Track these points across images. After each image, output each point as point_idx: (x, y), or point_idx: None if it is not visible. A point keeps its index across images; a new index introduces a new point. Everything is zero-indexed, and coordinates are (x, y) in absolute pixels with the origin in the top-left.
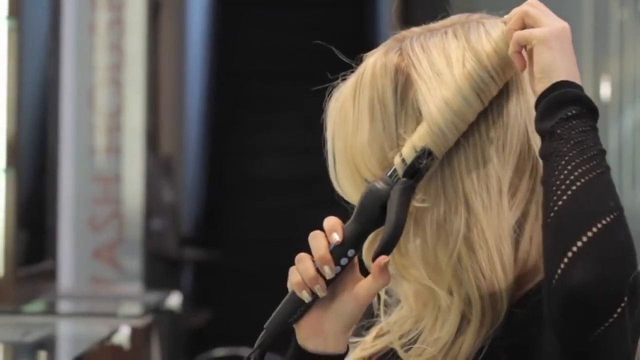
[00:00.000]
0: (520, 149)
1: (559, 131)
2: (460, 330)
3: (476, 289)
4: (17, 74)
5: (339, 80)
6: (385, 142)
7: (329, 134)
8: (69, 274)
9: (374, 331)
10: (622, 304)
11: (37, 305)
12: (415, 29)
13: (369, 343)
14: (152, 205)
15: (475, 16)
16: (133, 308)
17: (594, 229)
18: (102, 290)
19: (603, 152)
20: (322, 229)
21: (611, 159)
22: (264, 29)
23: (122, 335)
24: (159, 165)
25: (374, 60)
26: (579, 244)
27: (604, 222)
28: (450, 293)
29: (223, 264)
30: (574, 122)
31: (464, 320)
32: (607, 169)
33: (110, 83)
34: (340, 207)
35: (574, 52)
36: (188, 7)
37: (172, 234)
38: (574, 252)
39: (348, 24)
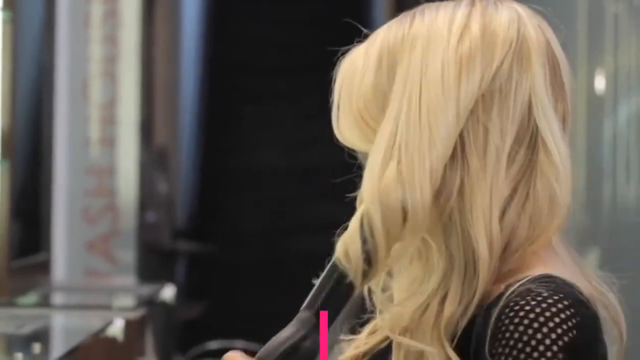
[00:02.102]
0: (521, 118)
1: None
2: (444, 297)
3: (460, 250)
4: (12, 66)
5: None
6: (387, 88)
7: (336, 85)
8: (63, 266)
9: (367, 328)
10: None
11: (31, 298)
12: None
13: (363, 340)
14: (147, 197)
15: None
16: (127, 300)
17: None
18: (96, 283)
19: None
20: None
21: (605, 152)
22: (258, 22)
23: (116, 328)
24: (153, 158)
25: (389, 23)
26: None
27: None
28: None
29: (217, 257)
30: None
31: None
32: None
33: (104, 75)
34: (334, 200)
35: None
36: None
37: (167, 226)
38: None
39: (343, 18)
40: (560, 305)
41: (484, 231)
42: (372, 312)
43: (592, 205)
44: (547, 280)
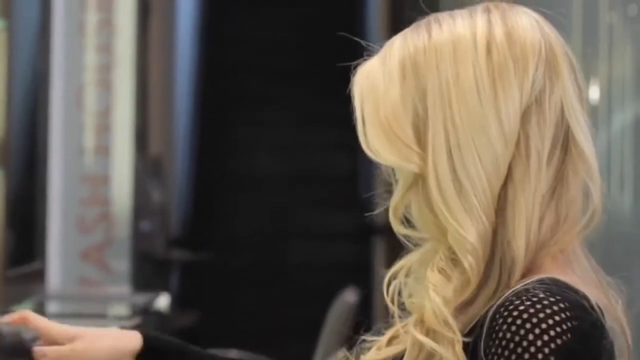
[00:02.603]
0: (556, 122)
1: None
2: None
3: (498, 259)
4: (7, 74)
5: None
6: (417, 101)
7: (357, 101)
8: (57, 274)
9: (389, 333)
10: None
11: (26, 306)
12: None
13: (384, 346)
14: (141, 206)
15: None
16: (121, 309)
17: None
18: (90, 291)
19: None
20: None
21: (599, 162)
22: (253, 28)
23: None
24: (147, 166)
25: (402, 33)
26: None
27: None
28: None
29: (212, 265)
30: None
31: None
32: None
33: (99, 83)
34: (329, 207)
35: None
36: (177, 9)
37: (161, 235)
38: None
39: (338, 21)
40: (555, 308)
41: (524, 241)
42: (393, 317)
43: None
44: (549, 282)
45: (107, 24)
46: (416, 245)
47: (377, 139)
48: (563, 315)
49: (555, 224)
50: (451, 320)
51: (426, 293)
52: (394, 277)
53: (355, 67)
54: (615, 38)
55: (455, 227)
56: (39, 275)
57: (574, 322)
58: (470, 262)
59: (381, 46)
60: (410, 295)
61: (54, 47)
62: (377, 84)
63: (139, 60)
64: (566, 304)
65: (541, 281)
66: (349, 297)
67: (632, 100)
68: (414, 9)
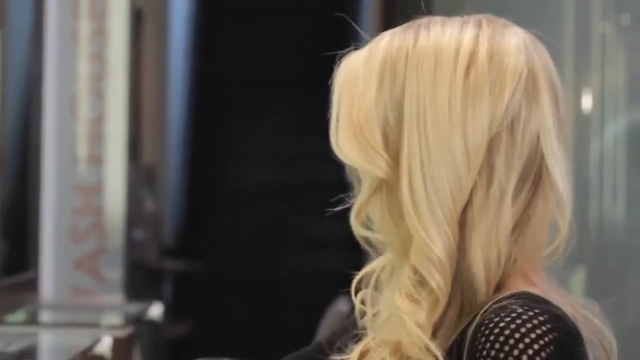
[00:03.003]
0: (529, 152)
1: None
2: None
3: (460, 282)
4: (0, 83)
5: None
6: (389, 109)
7: (335, 96)
8: (50, 284)
9: (358, 347)
10: None
11: (19, 316)
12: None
13: None
14: (134, 215)
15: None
16: (114, 318)
17: None
18: (83, 301)
19: None
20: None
21: (592, 171)
22: (246, 38)
23: (104, 346)
24: (140, 175)
25: (392, 31)
26: None
27: None
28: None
29: (205, 275)
30: None
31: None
32: None
33: (92, 92)
34: (323, 216)
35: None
36: (170, 17)
37: (154, 244)
38: None
39: (329, 33)
40: (535, 321)
41: (483, 269)
42: (364, 329)
43: (578, 224)
44: (523, 296)
45: (100, 33)
46: (377, 249)
47: (346, 139)
48: (544, 328)
49: (519, 254)
50: (432, 345)
51: (398, 321)
52: (360, 285)
53: (342, 57)
54: (608, 48)
55: (423, 237)
56: (32, 285)
57: (554, 334)
58: (438, 281)
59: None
60: (374, 314)
61: (47, 55)
62: (356, 82)
63: (132, 69)
64: (545, 316)
65: (515, 296)
66: (342, 306)
67: (625, 109)
68: (407, 20)
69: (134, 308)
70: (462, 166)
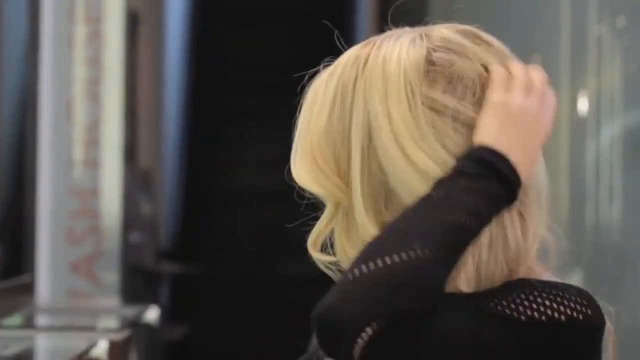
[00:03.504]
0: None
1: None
2: None
3: None
4: None
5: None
6: (337, 134)
7: (300, 116)
8: (47, 287)
9: None
10: (365, 334)
11: (15, 319)
12: (405, 28)
13: None
14: (131, 218)
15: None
16: (111, 322)
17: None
18: (80, 304)
19: (478, 216)
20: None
21: (588, 174)
22: (242, 42)
23: (101, 349)
24: (137, 179)
25: (352, 50)
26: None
27: (395, 259)
28: None
29: (201, 278)
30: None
31: None
32: (467, 228)
33: (88, 96)
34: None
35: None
36: (166, 21)
37: (151, 247)
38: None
39: (327, 38)
40: (585, 290)
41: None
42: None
43: (575, 227)
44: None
45: (96, 37)
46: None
47: (301, 164)
48: (590, 296)
49: (507, 260)
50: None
51: None
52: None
53: (313, 76)
54: (604, 50)
55: None
56: (29, 288)
57: (595, 304)
58: None
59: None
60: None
61: (43, 59)
62: (315, 105)
63: (129, 73)
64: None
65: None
66: None
67: (621, 111)
68: (400, 24)
69: (130, 311)
70: (419, 184)
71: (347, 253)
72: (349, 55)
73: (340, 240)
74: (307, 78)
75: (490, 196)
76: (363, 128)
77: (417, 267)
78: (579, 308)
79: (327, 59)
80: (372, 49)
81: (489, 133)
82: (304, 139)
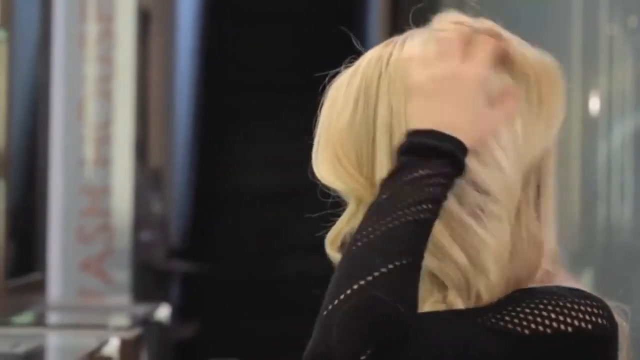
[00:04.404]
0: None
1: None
2: None
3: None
4: (7, 85)
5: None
6: (360, 131)
7: (321, 115)
8: (57, 285)
9: None
10: None
11: (26, 317)
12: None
13: None
14: (141, 217)
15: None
16: (122, 320)
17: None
18: (90, 302)
19: (425, 201)
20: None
21: (599, 173)
22: (254, 42)
23: (111, 347)
24: (148, 177)
25: (374, 50)
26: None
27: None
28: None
29: (212, 276)
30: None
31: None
32: (419, 219)
33: (99, 94)
34: (328, 220)
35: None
36: (178, 20)
37: (161, 245)
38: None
39: (335, 39)
40: (596, 296)
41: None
42: None
43: (586, 226)
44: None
45: (107, 35)
46: None
47: (323, 161)
48: (602, 304)
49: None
50: None
51: None
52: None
53: (333, 76)
54: (616, 50)
55: None
56: (39, 286)
57: (607, 312)
58: None
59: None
60: None
61: (54, 58)
62: (336, 104)
63: (140, 72)
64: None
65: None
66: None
67: (633, 111)
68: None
69: (141, 309)
70: None
71: None
72: (371, 54)
73: None
74: (327, 78)
75: (433, 176)
76: (386, 124)
77: (381, 296)
78: (587, 317)
79: (347, 59)
80: (395, 47)
81: (414, 119)
82: (325, 137)
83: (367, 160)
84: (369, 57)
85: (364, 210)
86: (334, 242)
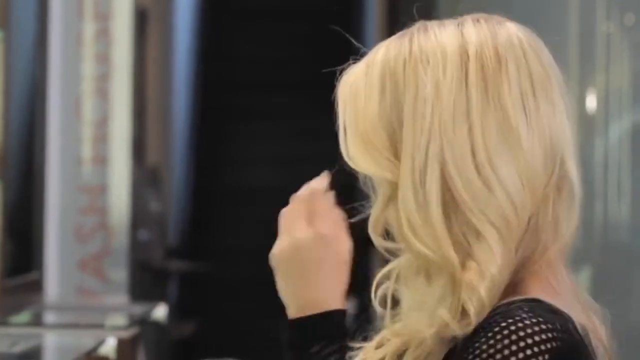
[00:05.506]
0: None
1: None
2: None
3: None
4: (5, 84)
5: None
6: (393, 117)
7: (340, 109)
8: (55, 285)
9: (377, 337)
10: None
11: (23, 316)
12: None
13: (371, 352)
14: (139, 215)
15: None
16: (119, 319)
17: None
18: (88, 301)
19: None
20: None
21: (596, 171)
22: (250, 40)
23: (108, 347)
24: (145, 176)
25: (388, 41)
26: None
27: None
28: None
29: (209, 275)
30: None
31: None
32: None
33: (97, 93)
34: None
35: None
36: (175, 18)
37: (159, 244)
38: None
39: (334, 36)
40: (536, 328)
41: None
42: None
43: (583, 224)
44: (533, 303)
45: (104, 34)
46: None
47: (355, 149)
48: (543, 336)
49: (535, 244)
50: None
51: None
52: (382, 280)
53: (342, 71)
54: (613, 48)
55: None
56: (37, 285)
57: (553, 344)
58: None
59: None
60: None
61: (51, 57)
62: (359, 95)
63: (137, 70)
64: (548, 325)
65: (525, 301)
66: (347, 306)
67: (630, 109)
68: (411, 24)
69: (138, 309)
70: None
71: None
72: (387, 44)
73: (399, 224)
74: (338, 74)
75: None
76: (419, 107)
77: None
78: (542, 348)
79: (351, 58)
80: (414, 35)
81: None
82: (354, 128)
83: (400, 145)
84: (385, 49)
85: (398, 192)
86: (376, 229)
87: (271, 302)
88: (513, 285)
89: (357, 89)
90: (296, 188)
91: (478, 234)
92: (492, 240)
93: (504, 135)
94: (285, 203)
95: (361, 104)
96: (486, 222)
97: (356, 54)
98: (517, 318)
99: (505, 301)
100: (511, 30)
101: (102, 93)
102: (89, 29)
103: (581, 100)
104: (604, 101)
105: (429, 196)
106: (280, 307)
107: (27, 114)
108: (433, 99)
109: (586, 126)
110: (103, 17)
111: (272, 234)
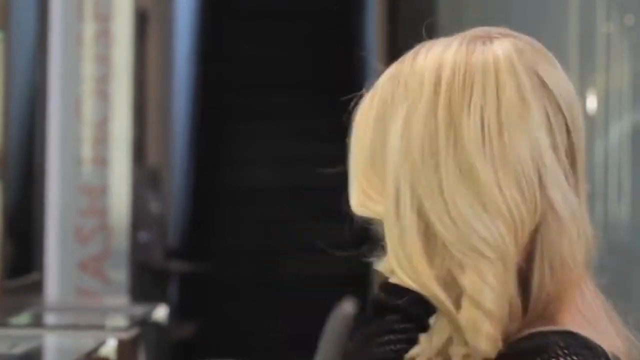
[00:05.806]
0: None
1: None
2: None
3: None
4: (5, 85)
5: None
6: (379, 151)
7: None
8: (55, 286)
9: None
10: None
11: (24, 318)
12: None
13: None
14: (139, 216)
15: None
16: (119, 320)
17: None
18: (88, 303)
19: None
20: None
21: (597, 172)
22: (250, 40)
23: (109, 348)
24: (145, 177)
25: (389, 69)
26: None
27: None
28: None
29: (210, 276)
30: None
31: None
32: None
33: (97, 94)
34: (327, 218)
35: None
36: (175, 19)
37: (159, 245)
38: None
39: (334, 36)
40: (574, 343)
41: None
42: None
43: None
44: (568, 339)
45: (104, 35)
46: None
47: (352, 192)
48: None
49: (541, 287)
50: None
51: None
52: None
53: (357, 100)
54: (613, 48)
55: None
56: (37, 287)
57: None
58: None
59: (380, 65)
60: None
61: (51, 57)
62: (358, 129)
63: (137, 71)
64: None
65: (558, 334)
66: (347, 308)
67: (630, 109)
68: (411, 24)
69: (139, 310)
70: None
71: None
72: (385, 74)
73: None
74: (352, 102)
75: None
76: (400, 137)
77: None
78: None
79: (369, 83)
80: (404, 63)
81: None
82: (351, 168)
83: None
84: (383, 77)
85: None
86: (388, 271)
87: (271, 302)
88: (542, 312)
89: (359, 123)
90: (296, 188)
91: (462, 267)
92: (478, 271)
93: (462, 173)
94: (285, 203)
95: (357, 139)
96: (466, 254)
97: (356, 54)
98: (553, 355)
99: (535, 330)
100: (495, 53)
101: (102, 94)
102: (89, 29)
103: (581, 101)
104: (604, 101)
105: (405, 230)
106: (280, 307)
107: (27, 114)
108: (405, 132)
109: (586, 127)
110: (103, 18)
111: (272, 234)
